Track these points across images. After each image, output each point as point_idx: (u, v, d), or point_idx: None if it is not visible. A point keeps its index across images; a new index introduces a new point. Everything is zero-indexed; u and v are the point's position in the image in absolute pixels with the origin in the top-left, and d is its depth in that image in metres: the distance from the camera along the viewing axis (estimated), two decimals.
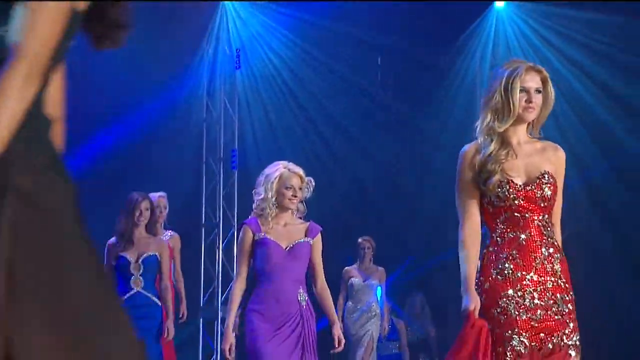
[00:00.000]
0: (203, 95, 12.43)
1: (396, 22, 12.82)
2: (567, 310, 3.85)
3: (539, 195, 3.92)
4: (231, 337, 5.66)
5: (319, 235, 5.83)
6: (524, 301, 3.81)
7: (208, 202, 11.87)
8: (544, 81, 3.98)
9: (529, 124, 4.06)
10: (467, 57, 12.78)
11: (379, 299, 11.16)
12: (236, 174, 11.95)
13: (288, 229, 5.76)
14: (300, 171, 5.82)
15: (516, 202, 3.90)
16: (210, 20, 12.47)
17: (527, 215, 3.92)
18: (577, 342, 3.87)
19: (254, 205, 5.83)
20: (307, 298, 5.74)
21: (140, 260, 7.28)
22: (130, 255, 7.27)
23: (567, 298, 3.89)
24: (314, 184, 5.93)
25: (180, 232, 9.25)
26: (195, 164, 12.18)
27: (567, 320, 3.83)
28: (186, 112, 12.44)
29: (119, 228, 7.41)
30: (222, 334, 8.71)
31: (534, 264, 3.86)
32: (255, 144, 12.66)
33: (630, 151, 12.80)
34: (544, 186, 3.94)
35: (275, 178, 5.67)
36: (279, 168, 5.75)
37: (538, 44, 12.67)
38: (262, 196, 5.69)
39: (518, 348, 3.76)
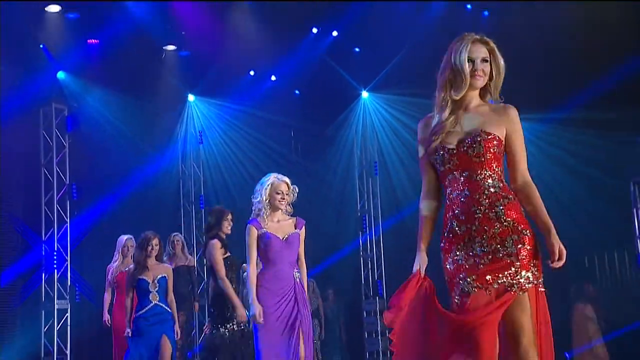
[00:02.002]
0: (178, 161, 13.46)
1: (300, 109, 13.82)
2: (515, 251, 3.35)
3: (471, 153, 3.45)
4: (259, 306, 5.56)
5: (304, 227, 5.87)
6: (473, 250, 3.39)
7: (185, 231, 12.85)
8: (491, 52, 3.52)
9: (481, 91, 3.59)
10: (346, 129, 13.79)
11: None
12: (203, 211, 12.93)
13: (281, 224, 5.77)
14: (287, 180, 5.84)
15: (451, 163, 3.48)
16: (180, 112, 13.49)
17: (465, 173, 3.47)
18: (524, 281, 3.32)
19: (253, 208, 5.84)
20: (299, 275, 5.78)
21: (156, 280, 7.33)
22: (148, 278, 7.30)
23: (516, 238, 3.37)
24: (297, 190, 5.90)
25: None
26: (175, 206, 13.27)
27: (515, 260, 3.34)
28: (167, 173, 13.22)
29: (136, 258, 7.49)
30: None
31: (475, 215, 3.41)
32: (214, 192, 13.38)
33: None
34: (475, 145, 3.45)
35: (268, 185, 5.74)
36: (270, 178, 5.79)
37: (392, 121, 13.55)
38: (259, 199, 5.74)
39: (464, 288, 3.37)
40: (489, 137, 3.45)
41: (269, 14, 11.70)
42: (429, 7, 11.86)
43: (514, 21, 11.19)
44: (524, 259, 3.33)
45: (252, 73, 13.26)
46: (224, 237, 7.18)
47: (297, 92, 13.97)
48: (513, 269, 3.32)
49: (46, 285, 11.11)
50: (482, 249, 3.38)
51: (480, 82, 3.52)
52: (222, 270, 6.76)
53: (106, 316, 8.60)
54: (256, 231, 5.65)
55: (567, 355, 11.20)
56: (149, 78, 12.50)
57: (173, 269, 8.94)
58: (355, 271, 13.45)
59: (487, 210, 3.41)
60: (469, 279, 3.36)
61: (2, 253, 10.94)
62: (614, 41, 10.49)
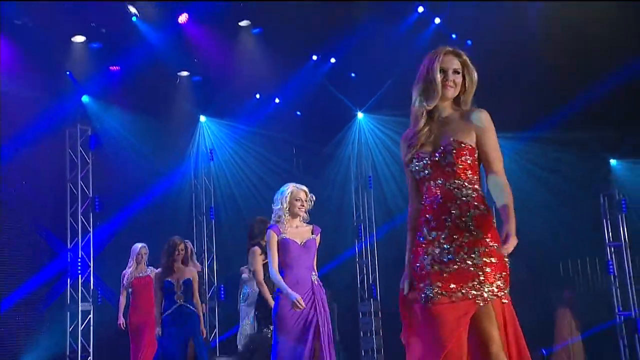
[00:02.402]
0: (191, 176, 13.52)
1: (301, 129, 13.78)
2: (480, 263, 3.15)
3: (443, 163, 3.25)
4: (296, 294, 5.39)
5: (320, 234, 5.70)
6: (440, 257, 3.19)
7: (197, 239, 12.86)
8: (463, 64, 3.36)
9: (454, 101, 3.39)
10: (343, 146, 13.71)
11: None
12: (213, 222, 13.13)
13: (299, 230, 5.62)
14: (305, 188, 5.71)
15: (426, 172, 3.29)
16: (193, 132, 13.45)
17: (439, 181, 3.27)
18: (487, 294, 3.12)
19: (273, 215, 5.69)
20: (317, 277, 5.61)
21: (181, 282, 7.22)
22: (173, 280, 7.19)
23: (483, 250, 3.17)
24: (314, 198, 5.75)
25: None
26: (188, 217, 13.20)
27: (479, 272, 3.14)
28: (181, 187, 13.24)
29: (163, 262, 7.35)
30: None
31: (446, 223, 3.20)
32: (224, 204, 13.40)
33: None
34: (447, 154, 3.26)
35: (288, 193, 5.62)
36: (289, 187, 5.68)
37: (385, 139, 13.49)
38: (279, 207, 5.62)
39: (429, 294, 3.18)
40: (461, 147, 3.28)
41: (273, 42, 11.67)
42: (417, 37, 11.77)
43: (494, 50, 10.97)
44: (489, 272, 3.15)
45: (257, 96, 13.29)
46: (264, 244, 6.94)
47: (298, 113, 13.98)
48: (477, 280, 3.14)
49: (71, 289, 11.16)
50: (450, 256, 3.19)
51: (452, 92, 3.36)
52: (261, 274, 6.60)
53: (121, 319, 8.53)
54: (276, 236, 5.52)
55: (544, 351, 11.27)
56: (164, 101, 12.56)
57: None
58: (352, 276, 13.51)
59: (456, 219, 3.21)
60: (433, 286, 3.18)
61: (31, 260, 10.93)
62: (584, 68, 10.42)
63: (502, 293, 3.17)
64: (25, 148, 10.46)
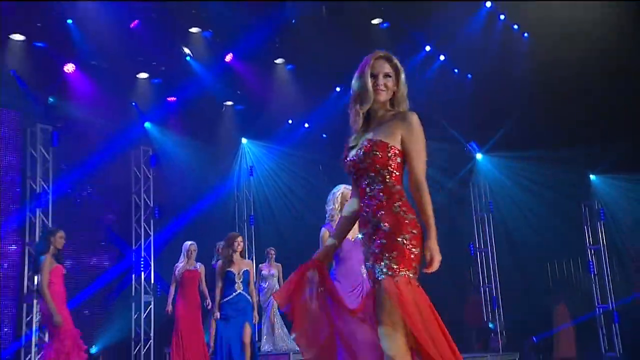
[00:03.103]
0: (234, 189, 13.28)
1: (327, 149, 13.28)
2: (382, 242, 2.87)
3: (364, 166, 2.93)
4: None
5: None
6: (368, 251, 2.94)
7: None
8: (394, 67, 3.02)
9: (387, 103, 3.04)
10: None
11: None
12: (253, 228, 12.90)
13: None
14: None
15: (355, 174, 2.99)
16: (236, 152, 13.33)
17: (365, 182, 2.95)
18: (386, 269, 2.80)
19: (326, 215, 5.29)
20: (366, 271, 4.91)
21: (241, 273, 6.94)
22: (234, 270, 6.93)
23: (379, 234, 2.88)
24: None
25: None
26: (231, 223, 12.90)
27: (384, 255, 2.84)
28: (226, 198, 13.01)
29: (224, 254, 7.07)
30: None
31: (369, 222, 2.92)
32: (261, 213, 13.22)
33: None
34: (367, 156, 2.93)
35: (339, 194, 5.22)
36: (340, 188, 5.27)
37: None
38: (331, 207, 5.23)
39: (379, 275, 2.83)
40: (380, 147, 2.93)
41: (303, 76, 11.69)
42: (425, 71, 11.83)
43: (492, 82, 11.27)
44: (377, 252, 2.87)
45: (290, 121, 13.24)
46: None
47: (324, 135, 13.88)
48: (384, 262, 2.86)
49: (135, 284, 11.25)
50: (373, 250, 2.93)
51: (383, 95, 3.04)
52: None
53: (169, 306, 8.34)
54: (329, 233, 5.02)
55: (534, 339, 11.49)
56: (212, 126, 12.56)
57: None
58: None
59: (373, 217, 2.94)
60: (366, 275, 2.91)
61: (102, 260, 11.05)
62: (567, 97, 10.45)
63: (392, 272, 2.81)
64: (99, 165, 10.62)
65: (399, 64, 3.06)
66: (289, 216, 12.84)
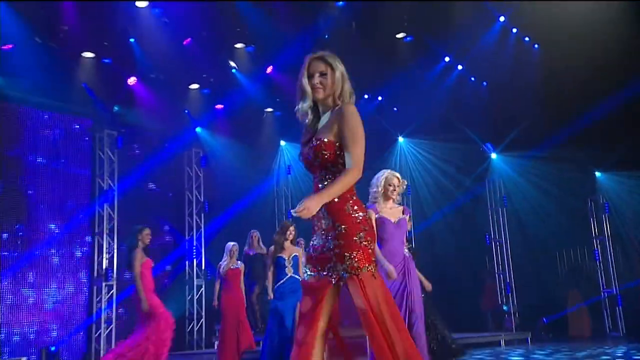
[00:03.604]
0: (274, 186, 13.46)
1: None
2: (332, 246, 2.72)
3: (316, 164, 2.81)
4: (390, 266, 4.69)
5: (410, 214, 5.08)
6: (313, 242, 2.83)
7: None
8: (328, 65, 2.86)
9: (330, 99, 2.88)
10: (388, 163, 12.75)
11: None
12: (290, 220, 13.08)
13: (392, 210, 4.99)
14: (398, 175, 5.07)
15: (307, 168, 2.88)
16: (275, 153, 13.39)
17: (315, 176, 2.84)
18: (333, 273, 2.70)
19: (369, 197, 5.03)
20: (408, 251, 4.97)
21: (290, 258, 6.72)
22: (285, 255, 6.73)
23: (332, 234, 2.73)
24: (406, 183, 5.16)
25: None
26: (272, 218, 13.11)
27: (331, 255, 2.72)
28: (266, 194, 13.13)
29: (277, 240, 6.81)
30: None
31: (319, 216, 2.78)
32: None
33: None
34: (310, 152, 2.80)
35: (383, 179, 5.01)
36: (385, 173, 5.06)
37: (419, 157, 13.23)
38: (375, 190, 5.01)
39: (304, 276, 2.83)
40: (319, 142, 2.80)
41: None
42: (445, 79, 11.74)
43: (505, 89, 11.25)
44: (338, 253, 2.72)
45: None
46: None
47: None
48: (330, 263, 2.74)
49: (189, 270, 11.51)
50: (318, 241, 2.82)
51: (320, 93, 2.89)
52: None
53: (215, 301, 8.16)
54: (374, 214, 4.91)
55: (544, 320, 11.50)
56: (254, 130, 12.62)
57: (252, 256, 8.88)
58: None
59: (328, 215, 2.78)
60: (308, 266, 2.84)
61: (160, 248, 11.11)
62: (574, 101, 10.41)
63: (355, 272, 2.70)
64: (157, 165, 10.82)
65: (333, 63, 2.89)
66: None
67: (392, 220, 4.93)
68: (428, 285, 6.80)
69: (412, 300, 4.78)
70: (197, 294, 11.44)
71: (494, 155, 13.21)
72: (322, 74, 2.88)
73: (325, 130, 2.81)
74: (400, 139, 13.66)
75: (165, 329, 6.78)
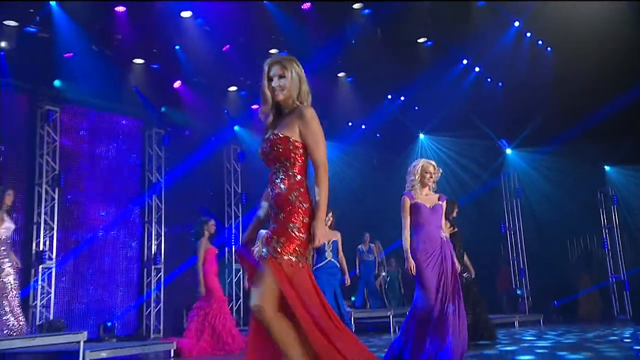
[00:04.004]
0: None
1: (380, 147, 13.61)
2: (275, 227, 2.71)
3: (271, 157, 2.76)
4: (412, 261, 4.64)
5: (446, 201, 4.87)
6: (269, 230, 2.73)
7: None
8: (285, 67, 2.81)
9: (291, 100, 2.82)
10: (410, 157, 12.13)
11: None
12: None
13: (429, 197, 4.83)
14: (434, 163, 4.93)
15: (265, 164, 2.83)
16: None
17: (270, 172, 2.79)
18: (272, 251, 2.65)
19: (406, 184, 4.89)
20: (445, 236, 4.79)
21: (330, 243, 6.58)
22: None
23: (278, 219, 2.71)
24: (441, 171, 4.93)
25: None
26: None
27: (274, 238, 2.68)
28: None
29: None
30: None
31: (270, 205, 2.77)
32: (334, 196, 13.60)
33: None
34: (267, 147, 2.77)
35: (420, 167, 4.87)
36: (421, 161, 4.93)
37: (440, 153, 13.07)
38: (412, 177, 4.86)
39: (258, 254, 2.74)
40: (275, 137, 2.76)
41: (361, 87, 11.62)
42: (463, 81, 11.62)
43: (520, 89, 11.18)
44: (270, 235, 2.72)
45: (350, 124, 13.16)
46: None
47: (378, 135, 13.74)
48: (273, 243, 2.70)
49: (228, 255, 11.51)
50: (269, 232, 2.78)
51: (280, 95, 2.84)
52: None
53: (246, 284, 8.23)
54: (409, 201, 4.78)
55: (555, 302, 11.58)
56: None
57: None
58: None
59: (275, 205, 2.76)
60: (264, 250, 2.71)
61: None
62: (585, 100, 10.33)
63: (276, 255, 2.66)
64: (199, 160, 10.86)
65: (289, 66, 2.83)
66: (349, 200, 12.70)
67: (428, 206, 4.78)
68: (472, 271, 6.92)
69: (446, 284, 4.59)
70: (235, 277, 11.57)
71: (508, 151, 13.19)
72: (281, 77, 2.84)
73: (284, 127, 2.78)
74: (422, 136, 13.67)
75: (220, 306, 6.98)
